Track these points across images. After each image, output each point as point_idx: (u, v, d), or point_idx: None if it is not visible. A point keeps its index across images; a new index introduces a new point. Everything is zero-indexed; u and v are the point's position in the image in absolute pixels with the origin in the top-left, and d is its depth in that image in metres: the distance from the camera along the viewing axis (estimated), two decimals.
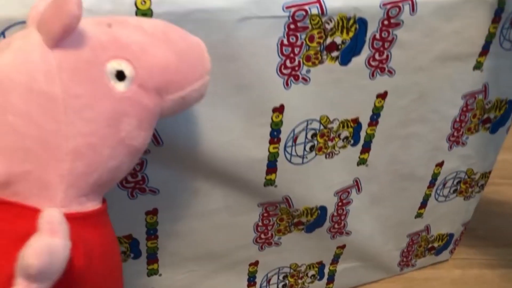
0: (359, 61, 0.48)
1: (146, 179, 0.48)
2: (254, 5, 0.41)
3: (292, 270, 0.66)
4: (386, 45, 0.49)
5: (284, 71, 0.45)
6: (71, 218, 0.32)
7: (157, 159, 0.47)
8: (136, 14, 0.39)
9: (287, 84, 0.46)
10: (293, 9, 0.42)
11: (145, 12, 0.39)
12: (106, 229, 0.37)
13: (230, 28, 0.41)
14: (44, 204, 0.32)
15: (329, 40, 0.46)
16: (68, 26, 0.31)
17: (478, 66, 0.57)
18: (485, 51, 0.55)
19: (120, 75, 0.33)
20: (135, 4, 0.38)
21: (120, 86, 0.33)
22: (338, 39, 0.46)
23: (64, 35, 0.31)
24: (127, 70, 0.33)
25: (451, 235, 0.75)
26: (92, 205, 0.35)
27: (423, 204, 0.68)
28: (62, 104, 0.31)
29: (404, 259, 0.74)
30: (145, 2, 0.38)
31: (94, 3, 0.37)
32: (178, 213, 0.52)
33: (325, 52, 0.46)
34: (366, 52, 0.48)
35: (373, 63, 0.50)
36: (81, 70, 0.32)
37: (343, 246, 0.66)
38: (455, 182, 0.68)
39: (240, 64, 0.44)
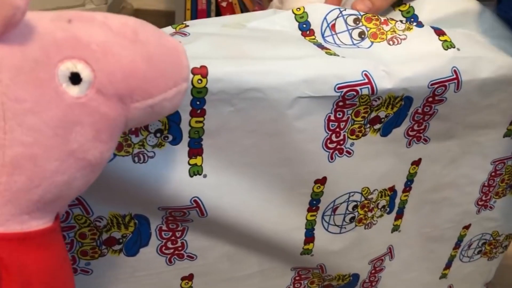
0: (398, 132, 0.49)
1: (186, 245, 0.48)
2: (306, 85, 0.41)
3: None
4: (426, 117, 0.49)
5: (330, 145, 0.46)
6: (7, 239, 0.28)
7: (198, 227, 0.47)
8: (192, 92, 0.39)
9: (331, 158, 0.47)
10: (344, 90, 0.43)
11: (200, 90, 0.39)
12: (55, 251, 0.32)
13: (281, 107, 0.41)
14: None
15: (373, 114, 0.46)
16: (10, 18, 0.26)
17: (508, 133, 0.57)
18: None
19: (75, 78, 0.29)
20: (192, 82, 0.39)
21: (74, 91, 0.29)
22: (382, 114, 0.47)
23: (5, 29, 0.27)
24: (84, 73, 0.29)
25: None
26: (37, 224, 0.30)
27: (448, 265, 0.68)
28: (0, 108, 0.27)
29: None
30: (201, 80, 0.39)
31: None
32: (213, 278, 0.52)
33: (368, 125, 0.47)
34: (406, 123, 0.49)
35: (411, 133, 0.50)
36: (26, 70, 0.28)
37: None
38: (480, 244, 0.68)
39: (287, 139, 0.44)
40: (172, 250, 0.48)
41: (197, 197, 0.43)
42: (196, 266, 0.50)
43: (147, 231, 0.45)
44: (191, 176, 0.42)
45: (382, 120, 0.47)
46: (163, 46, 0.32)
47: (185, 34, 0.45)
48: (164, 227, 0.46)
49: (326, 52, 0.44)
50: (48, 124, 0.28)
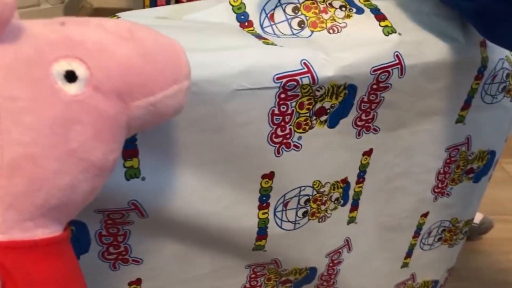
0: (346, 122, 0.48)
1: (129, 249, 0.46)
2: (244, 77, 0.40)
3: None
4: (373, 106, 0.48)
5: (275, 140, 0.44)
6: (11, 247, 0.27)
7: (141, 229, 0.45)
8: None
9: (278, 152, 0.45)
10: (284, 80, 0.41)
11: None
12: (64, 262, 0.31)
13: (219, 101, 0.40)
14: None
15: (318, 106, 0.45)
16: None
17: (460, 119, 0.57)
18: (467, 105, 0.56)
19: (71, 76, 0.29)
20: None
21: (71, 89, 0.28)
22: (327, 104, 0.45)
23: None
24: (79, 70, 0.29)
25: (436, 282, 0.75)
26: (42, 233, 0.29)
27: (409, 254, 0.67)
28: None
29: None
30: None
31: None
32: (162, 281, 0.50)
33: (314, 117, 0.45)
34: (353, 113, 0.48)
35: (359, 123, 0.49)
36: (20, 69, 0.27)
37: None
38: (439, 231, 0.68)
39: (229, 135, 0.42)
40: (115, 255, 0.46)
41: (135, 200, 0.41)
42: (143, 270, 0.48)
43: (86, 237, 0.43)
44: (128, 180, 0.40)
45: (328, 111, 0.46)
46: (160, 43, 0.32)
47: None
48: (104, 232, 0.44)
49: (264, 42, 0.43)
50: (46, 123, 0.27)
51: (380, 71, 0.45)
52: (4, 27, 0.27)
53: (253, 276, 0.55)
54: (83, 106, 0.29)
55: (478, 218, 0.91)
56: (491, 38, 0.44)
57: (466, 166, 0.62)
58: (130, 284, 0.48)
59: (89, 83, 0.29)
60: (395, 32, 0.46)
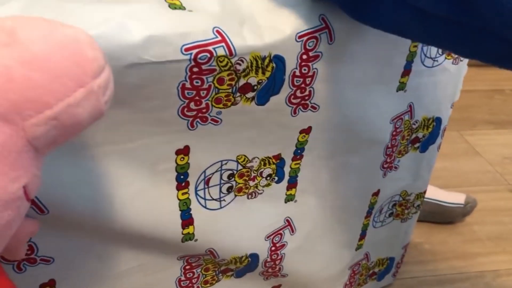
0: (278, 100, 0.44)
1: (35, 248, 0.41)
2: (143, 49, 0.35)
3: None
4: (307, 81, 0.44)
5: (188, 113, 0.40)
6: None
7: (45, 226, 0.40)
8: None
9: (192, 125, 0.41)
10: (194, 51, 0.37)
11: None
12: None
13: (116, 74, 0.35)
14: None
15: (242, 82, 0.40)
16: None
17: (401, 87, 0.54)
18: (407, 70, 0.53)
19: None
20: None
21: None
22: (252, 80, 0.41)
23: None
24: None
25: (391, 259, 0.72)
26: None
27: (362, 235, 0.64)
28: None
29: None
30: None
31: None
32: (81, 280, 0.45)
33: (238, 94, 0.41)
34: (286, 90, 0.43)
35: (294, 101, 0.45)
36: None
37: (279, 286, 0.61)
38: (390, 206, 0.65)
39: (133, 110, 0.38)
40: None
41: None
42: (55, 270, 0.43)
43: None
44: None
45: (255, 87, 0.42)
46: (53, 41, 0.26)
47: None
48: None
49: (170, 5, 0.38)
50: None
51: (306, 38, 0.41)
52: None
53: (188, 267, 0.51)
54: None
55: (461, 198, 0.88)
56: (358, 16, 0.40)
57: (411, 135, 0.59)
58: (42, 286, 0.43)
59: None
60: None
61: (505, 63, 0.34)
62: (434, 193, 0.86)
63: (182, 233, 0.46)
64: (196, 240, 0.47)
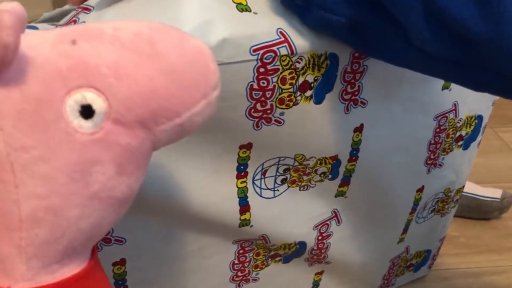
0: (332, 97, 0.46)
1: (111, 229, 0.44)
2: (218, 51, 0.38)
3: None
4: (357, 76, 0.47)
5: (254, 114, 0.43)
6: None
7: None
8: None
9: (257, 126, 0.44)
10: (261, 52, 0.40)
11: None
12: (97, 284, 0.31)
13: None
14: (1, 281, 0.26)
15: (301, 80, 0.43)
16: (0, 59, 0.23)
17: (446, 85, 0.56)
18: None
19: (87, 111, 0.25)
20: None
21: (88, 126, 0.26)
22: (310, 77, 0.44)
23: None
24: (96, 104, 0.26)
25: (428, 251, 0.75)
26: (69, 270, 0.28)
27: (405, 230, 0.67)
28: (7, 160, 0.24)
29: (385, 282, 0.73)
30: None
31: None
32: (147, 261, 0.49)
33: (298, 93, 0.44)
34: (338, 86, 0.46)
35: (346, 97, 0.47)
36: (29, 113, 0.24)
37: (321, 272, 0.64)
38: (434, 203, 0.67)
39: None
40: None
41: None
42: (126, 249, 0.47)
43: None
44: None
45: (312, 85, 0.44)
46: (185, 53, 0.28)
47: (89, 9, 0.41)
48: None
49: (237, 5, 0.40)
50: (63, 170, 0.25)
51: None
52: (7, 69, 0.24)
53: (241, 251, 0.54)
54: (103, 144, 0.26)
55: (497, 193, 0.88)
56: (368, 52, 0.43)
57: (455, 133, 0.61)
58: (114, 264, 0.47)
59: (107, 117, 0.26)
60: None
61: (508, 95, 0.37)
62: (470, 188, 0.87)
63: (240, 219, 0.50)
64: (251, 226, 0.51)
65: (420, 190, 0.62)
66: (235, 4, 0.41)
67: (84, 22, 0.40)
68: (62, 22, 0.42)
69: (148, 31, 0.27)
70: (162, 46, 0.27)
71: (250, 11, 0.41)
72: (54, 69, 0.25)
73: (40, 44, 0.26)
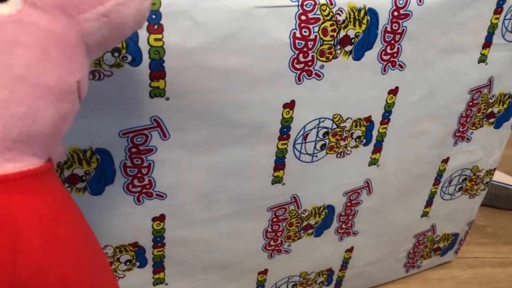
0: (371, 55, 0.47)
1: (153, 183, 0.46)
2: None
3: (301, 279, 0.63)
4: (396, 37, 0.48)
5: (297, 66, 0.44)
6: None
7: (163, 162, 0.45)
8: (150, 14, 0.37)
9: (299, 80, 0.45)
10: None
11: (153, 1, 0.37)
12: (49, 196, 0.29)
13: (241, 19, 0.39)
14: None
15: (342, 34, 0.44)
16: None
17: (483, 59, 0.56)
18: (488, 42, 0.55)
19: None
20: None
21: (3, 9, 0.25)
22: (351, 32, 0.45)
23: None
24: None
25: (456, 235, 0.74)
26: (14, 167, 0.27)
27: (429, 202, 0.67)
28: None
29: (410, 261, 0.73)
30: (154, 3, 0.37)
31: None
32: (185, 220, 0.50)
33: (339, 47, 0.45)
34: (378, 45, 0.47)
35: (385, 57, 0.48)
36: None
37: (351, 249, 0.64)
38: (460, 180, 0.67)
39: (251, 59, 0.42)
40: (139, 188, 0.46)
41: (158, 116, 0.41)
42: (166, 206, 0.48)
43: (111, 167, 0.43)
44: (152, 97, 0.40)
45: (353, 40, 0.45)
46: None
47: None
48: (128, 163, 0.44)
49: None
50: None
51: None
52: None
53: (275, 220, 0.55)
54: (22, 27, 0.26)
55: None
56: None
57: (486, 109, 0.62)
58: (154, 220, 0.48)
59: (24, 1, 0.26)
60: None
61: None
62: (501, 177, 0.87)
63: (273, 175, 0.50)
64: (283, 184, 0.52)
65: (445, 161, 0.63)
66: None
67: None
68: None
69: None
70: None
71: None
72: None
73: None
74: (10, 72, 0.25)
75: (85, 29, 0.28)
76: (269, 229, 0.56)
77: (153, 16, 0.37)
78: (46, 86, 0.27)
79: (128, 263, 0.50)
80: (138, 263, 0.51)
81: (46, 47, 0.26)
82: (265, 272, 0.60)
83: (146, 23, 0.37)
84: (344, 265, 0.66)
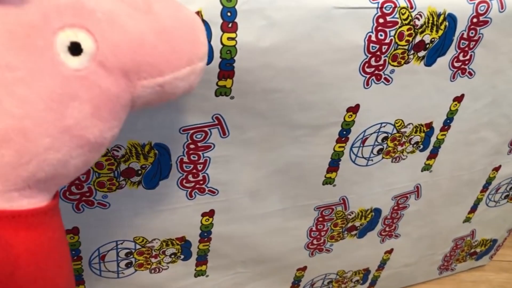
0: (443, 62, 0.45)
1: (207, 179, 0.45)
2: None
3: (338, 277, 0.63)
4: (471, 45, 0.45)
5: (367, 70, 0.42)
6: None
7: (219, 158, 0.43)
8: (222, 12, 0.35)
9: (367, 84, 0.43)
10: (380, 1, 0.38)
11: (230, 10, 0.35)
12: (49, 233, 0.30)
13: (317, 19, 0.37)
14: None
15: (418, 38, 0.42)
16: None
17: None
18: None
19: (76, 49, 0.26)
20: (221, 2, 0.35)
21: (74, 62, 0.26)
22: (427, 38, 0.42)
23: None
24: (86, 43, 0.26)
25: (494, 241, 0.73)
26: (28, 203, 0.28)
27: (473, 208, 0.65)
28: None
29: (445, 263, 0.72)
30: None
31: None
32: (234, 215, 0.49)
33: (412, 52, 0.42)
34: (451, 52, 0.45)
35: (456, 64, 0.46)
36: (21, 36, 0.25)
37: (391, 251, 0.63)
38: (508, 188, 0.65)
39: (322, 60, 0.40)
40: (193, 184, 0.44)
41: (220, 114, 0.40)
42: (217, 201, 0.47)
43: (168, 162, 0.42)
44: (217, 96, 0.39)
45: (427, 46, 0.43)
46: (178, 19, 0.29)
47: None
48: (185, 159, 0.42)
49: None
50: (41, 97, 0.26)
51: (477, 1, 0.42)
52: None
53: (320, 219, 0.54)
54: (84, 82, 0.27)
55: None
56: None
57: None
58: (203, 215, 0.47)
59: (94, 58, 0.27)
60: None
61: None
62: None
63: (325, 176, 0.49)
64: (334, 185, 0.50)
65: (496, 169, 0.61)
66: None
67: None
68: None
69: None
70: (158, 7, 0.29)
71: None
72: (54, 4, 0.26)
73: None
74: (60, 122, 0.26)
75: (138, 93, 0.29)
76: (314, 228, 0.55)
77: (228, 14, 0.35)
78: (86, 139, 0.28)
79: (173, 256, 0.50)
80: (182, 256, 0.50)
81: (99, 104, 0.27)
82: (304, 268, 0.59)
83: (220, 21, 0.35)
84: (382, 265, 0.65)
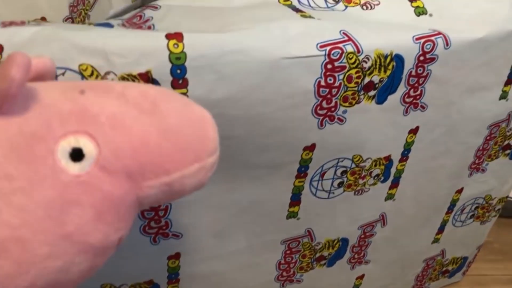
0: (394, 98, 0.46)
1: (170, 224, 0.45)
2: (289, 46, 0.39)
3: None
4: (420, 80, 0.47)
5: (320, 112, 0.43)
6: None
7: (181, 202, 0.44)
8: (170, 58, 0.36)
9: (321, 125, 0.44)
10: (328, 48, 0.40)
11: (178, 56, 0.36)
12: None
13: (267, 70, 0.38)
14: None
15: (367, 80, 0.43)
16: (4, 92, 0.24)
17: (504, 95, 0.55)
18: (510, 80, 0.54)
19: (77, 154, 0.26)
20: (168, 47, 0.35)
21: (74, 168, 0.26)
22: (375, 78, 0.44)
23: (1, 102, 0.25)
24: (87, 148, 0.26)
25: (465, 258, 0.74)
26: None
27: (441, 230, 0.67)
28: None
29: (418, 283, 0.73)
30: (177, 45, 0.36)
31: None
32: (200, 256, 0.50)
33: (362, 92, 0.44)
34: (401, 89, 0.46)
35: (407, 100, 0.48)
36: (22, 146, 0.25)
37: (362, 276, 0.64)
38: (473, 208, 0.67)
39: (275, 108, 0.41)
40: (156, 230, 0.45)
41: None
42: (182, 244, 0.47)
43: None
44: None
45: (377, 85, 0.44)
46: (185, 117, 0.29)
47: (156, 8, 0.42)
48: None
49: (301, 15, 0.42)
50: (40, 205, 0.25)
51: (424, 40, 0.44)
52: (11, 102, 0.25)
53: (288, 252, 0.55)
54: (85, 187, 0.26)
55: None
56: None
57: (503, 142, 0.61)
58: (169, 258, 0.48)
59: (96, 162, 0.26)
60: (426, 14, 0.47)
61: None
62: None
63: (288, 210, 0.50)
64: (298, 218, 0.51)
65: (459, 191, 0.63)
66: (298, 14, 0.43)
67: (151, 17, 0.41)
68: (126, 16, 0.43)
69: (154, 92, 0.29)
70: (164, 106, 0.29)
71: (313, 18, 0.43)
72: (56, 110, 0.26)
73: (51, 88, 0.27)
74: (60, 229, 0.26)
75: (144, 193, 0.28)
76: (282, 261, 0.56)
77: (178, 71, 0.36)
78: (89, 244, 0.27)
79: None
80: None
81: (101, 209, 0.27)
82: None
83: (170, 78, 0.36)
84: None
